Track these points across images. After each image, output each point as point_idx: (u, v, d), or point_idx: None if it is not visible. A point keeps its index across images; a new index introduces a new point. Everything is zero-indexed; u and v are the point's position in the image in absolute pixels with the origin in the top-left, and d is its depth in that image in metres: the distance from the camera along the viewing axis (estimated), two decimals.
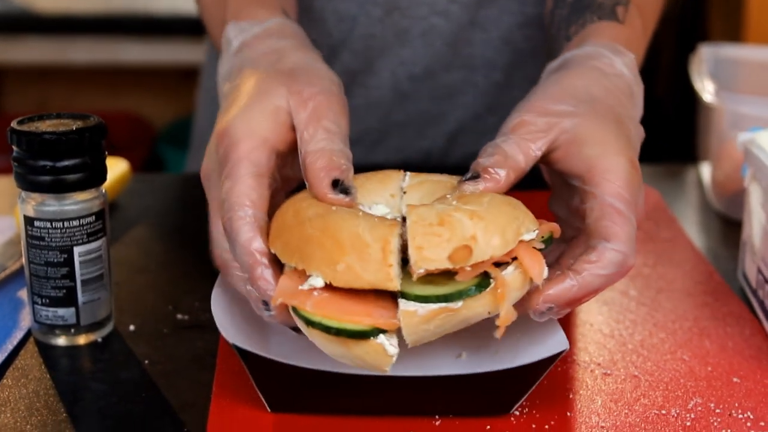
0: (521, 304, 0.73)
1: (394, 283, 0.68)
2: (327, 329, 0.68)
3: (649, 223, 1.10)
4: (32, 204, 0.82)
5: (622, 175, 0.75)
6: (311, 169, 0.75)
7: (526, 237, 0.72)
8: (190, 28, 2.59)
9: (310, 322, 0.69)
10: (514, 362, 0.73)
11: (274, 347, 0.76)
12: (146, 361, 0.82)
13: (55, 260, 0.82)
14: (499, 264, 0.70)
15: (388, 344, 0.69)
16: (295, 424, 0.73)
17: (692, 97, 1.27)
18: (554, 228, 0.75)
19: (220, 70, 0.87)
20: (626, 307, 0.91)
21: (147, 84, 3.06)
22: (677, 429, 0.73)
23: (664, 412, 0.75)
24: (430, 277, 0.69)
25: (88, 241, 0.83)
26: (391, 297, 0.70)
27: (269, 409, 0.73)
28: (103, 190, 0.84)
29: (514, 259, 0.71)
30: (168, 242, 1.08)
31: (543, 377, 0.73)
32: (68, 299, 0.83)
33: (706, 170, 1.21)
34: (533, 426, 0.73)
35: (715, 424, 0.74)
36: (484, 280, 0.69)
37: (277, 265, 0.73)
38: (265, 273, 0.72)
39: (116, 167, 1.14)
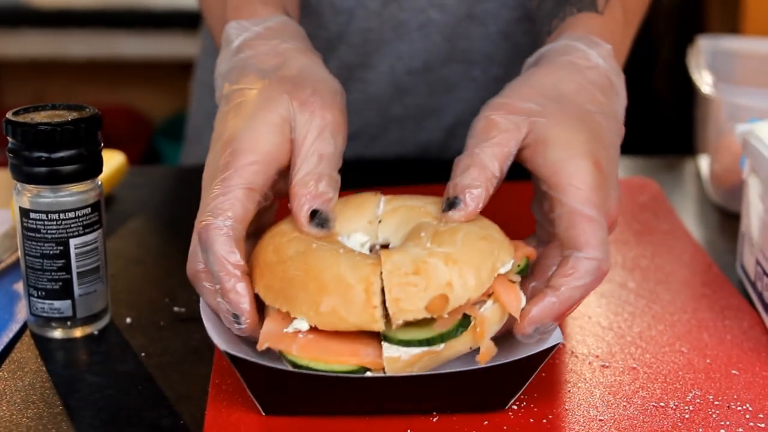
0: (506, 327, 0.74)
1: (379, 324, 0.69)
2: (316, 371, 0.69)
3: (647, 214, 1.10)
4: (28, 196, 0.82)
5: (588, 179, 0.74)
6: (295, 196, 0.75)
7: (502, 270, 0.73)
8: (187, 21, 2.59)
9: (297, 366, 0.70)
10: (509, 357, 0.73)
11: (264, 352, 0.76)
12: (143, 354, 0.82)
13: (51, 252, 0.82)
14: (477, 301, 0.72)
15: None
16: (292, 418, 0.72)
17: (691, 89, 1.26)
18: (529, 253, 0.76)
19: (219, 67, 0.86)
20: (625, 299, 0.91)
21: (145, 78, 3.06)
22: (676, 421, 0.73)
23: (662, 404, 0.75)
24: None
25: (84, 233, 0.83)
26: (374, 333, 0.71)
27: (263, 413, 0.72)
28: (99, 182, 0.84)
29: (491, 293, 0.72)
30: (164, 235, 1.07)
31: (539, 371, 0.73)
32: (64, 292, 0.83)
33: (704, 162, 1.21)
34: (531, 420, 0.73)
35: (714, 416, 0.73)
36: (463, 320, 0.71)
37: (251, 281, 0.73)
38: (238, 286, 0.71)
39: (113, 160, 1.14)
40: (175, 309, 0.89)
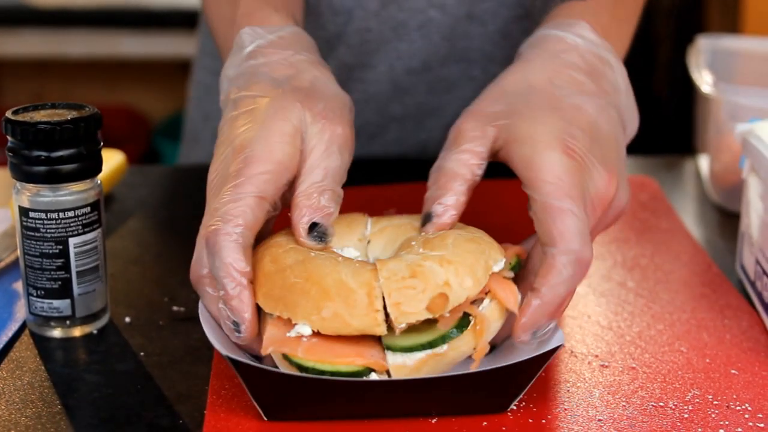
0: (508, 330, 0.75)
1: (382, 328, 0.70)
2: (321, 373, 0.69)
3: (647, 213, 1.10)
4: (27, 195, 0.82)
5: (557, 169, 0.74)
6: (296, 207, 0.75)
7: (495, 269, 0.74)
8: (187, 21, 2.59)
9: (303, 368, 0.70)
10: (509, 360, 0.73)
11: (260, 359, 0.76)
12: (142, 353, 0.82)
13: (50, 251, 0.82)
14: (475, 300, 0.72)
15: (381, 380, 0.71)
16: (291, 423, 0.72)
17: (690, 89, 1.26)
18: (519, 251, 0.77)
19: (226, 71, 0.85)
20: (624, 298, 0.91)
21: (144, 77, 3.06)
22: (675, 421, 0.73)
23: (661, 404, 0.75)
24: (412, 326, 0.71)
25: (84, 232, 0.82)
26: (376, 337, 0.71)
27: (265, 418, 0.72)
28: (99, 181, 0.84)
29: (488, 291, 0.73)
30: (164, 234, 1.07)
31: (540, 373, 0.73)
32: (63, 291, 0.83)
33: (704, 162, 1.21)
34: (530, 420, 0.73)
35: (713, 415, 0.73)
36: (463, 320, 0.71)
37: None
38: (242, 294, 0.72)
39: (112, 159, 1.14)
40: (174, 308, 0.89)
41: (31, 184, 0.81)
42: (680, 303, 0.90)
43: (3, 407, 0.74)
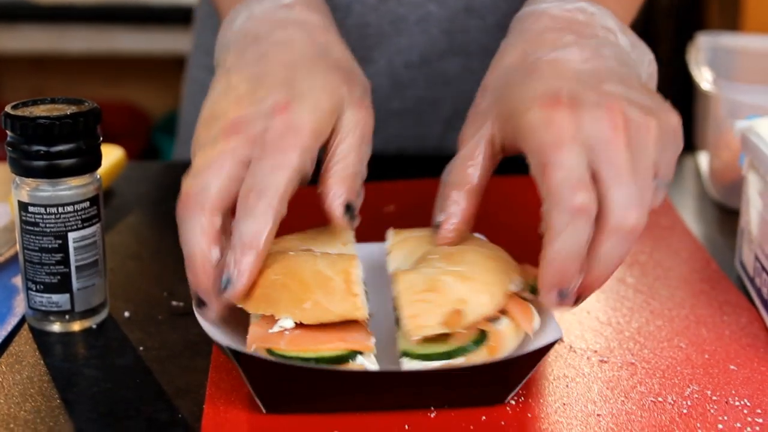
0: None
1: (362, 312, 0.71)
2: (306, 361, 0.70)
3: None
4: (26, 189, 0.82)
5: (536, 126, 0.72)
6: (334, 186, 0.76)
7: (513, 288, 0.74)
8: (187, 17, 2.57)
9: (287, 359, 0.70)
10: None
11: None
12: (141, 348, 0.82)
13: (50, 246, 0.82)
14: (492, 318, 0.73)
15: (368, 363, 0.71)
16: (289, 415, 0.72)
17: (690, 87, 1.26)
18: (538, 273, 0.76)
19: (226, 33, 0.85)
20: (623, 294, 0.91)
21: (144, 73, 3.06)
22: (674, 416, 0.73)
23: (660, 399, 0.75)
24: (427, 337, 0.71)
25: (83, 227, 0.82)
26: (359, 323, 0.72)
27: (264, 410, 0.72)
28: (98, 176, 0.84)
29: (505, 311, 0.74)
30: (163, 229, 1.07)
31: (538, 366, 0.73)
32: (63, 285, 0.83)
33: (703, 159, 1.21)
34: (529, 415, 0.73)
35: (712, 411, 0.73)
36: (480, 336, 0.72)
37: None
38: (258, 261, 0.72)
39: (111, 154, 1.14)
40: (174, 303, 0.89)
41: (31, 179, 0.81)
42: (679, 299, 0.90)
43: (2, 401, 0.74)
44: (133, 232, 1.05)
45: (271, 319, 0.72)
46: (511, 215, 1.07)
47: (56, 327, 0.84)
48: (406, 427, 0.71)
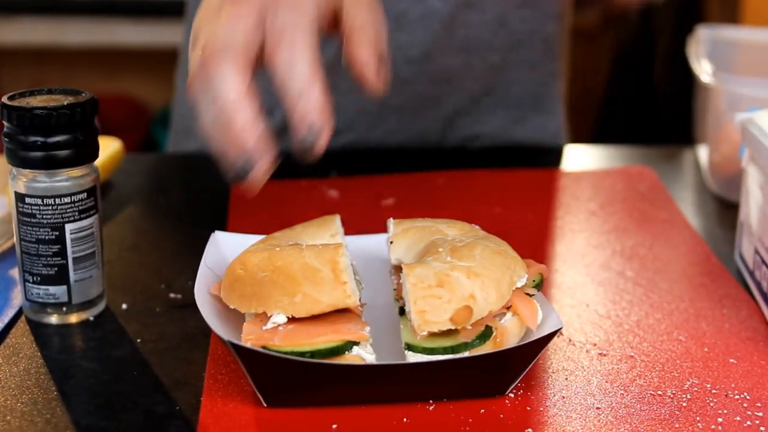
0: None
1: (353, 299, 0.71)
2: (301, 355, 0.70)
3: (645, 203, 1.09)
4: (23, 180, 0.81)
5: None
6: (370, 46, 0.78)
7: (519, 284, 0.75)
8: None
9: (284, 354, 0.70)
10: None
11: None
12: (138, 340, 0.82)
13: (47, 237, 0.82)
14: (497, 314, 0.74)
15: (364, 353, 0.71)
16: (288, 408, 0.72)
17: (690, 81, 1.26)
18: (542, 269, 0.78)
19: None
20: (622, 287, 0.91)
21: (143, 66, 3.05)
22: (673, 409, 0.72)
23: (660, 392, 0.74)
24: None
25: (80, 218, 0.82)
26: (353, 313, 0.72)
27: (265, 404, 0.72)
28: (95, 167, 0.83)
29: (510, 306, 0.74)
30: (161, 221, 1.07)
31: (537, 358, 0.73)
32: (60, 277, 0.83)
33: (703, 153, 1.21)
34: (528, 408, 0.72)
35: (712, 404, 0.73)
36: (485, 331, 0.72)
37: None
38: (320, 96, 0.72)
39: (109, 146, 1.14)
40: (171, 295, 0.89)
41: (28, 170, 0.81)
42: (679, 292, 0.90)
43: None
44: (131, 224, 1.05)
45: (264, 317, 0.72)
46: (508, 208, 1.07)
47: (53, 319, 0.84)
48: (405, 420, 0.71)
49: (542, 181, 1.16)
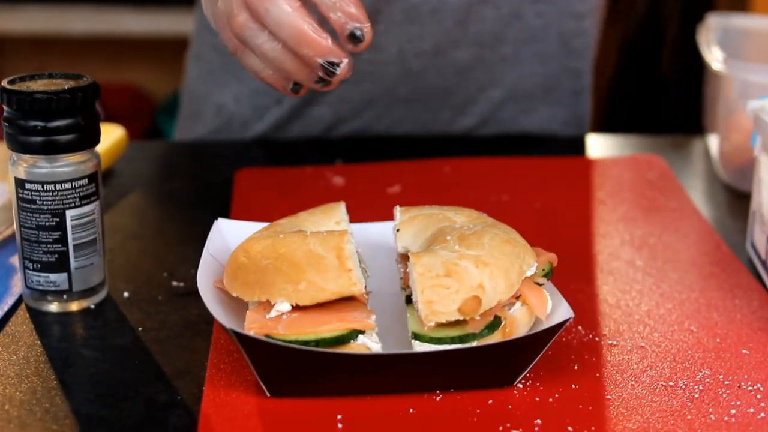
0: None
1: (358, 287, 0.70)
2: (306, 344, 0.68)
3: (655, 192, 1.08)
4: (23, 166, 0.80)
5: None
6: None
7: (528, 273, 0.74)
8: None
9: (287, 344, 0.68)
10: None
11: None
12: (140, 328, 0.80)
13: (47, 224, 0.80)
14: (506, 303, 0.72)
15: (370, 342, 0.70)
16: (291, 398, 0.71)
17: (698, 71, 1.25)
18: (552, 258, 0.77)
19: None
20: (632, 277, 0.89)
21: (147, 55, 3.04)
22: (685, 401, 0.71)
23: (671, 383, 0.73)
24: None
25: (81, 205, 0.81)
26: (358, 301, 0.71)
27: (268, 394, 0.71)
28: (97, 152, 0.82)
29: (519, 296, 0.73)
30: (164, 209, 1.06)
31: (547, 349, 0.72)
32: (60, 264, 0.81)
33: (713, 142, 1.19)
34: (537, 399, 0.71)
35: (724, 396, 0.72)
36: (494, 321, 0.71)
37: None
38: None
39: (113, 133, 1.12)
40: (174, 283, 0.87)
41: (28, 155, 0.79)
42: (689, 282, 0.89)
43: None
44: (134, 212, 1.04)
45: (268, 305, 0.71)
46: (516, 197, 1.06)
47: (54, 307, 0.82)
48: (411, 410, 0.69)
49: (550, 169, 1.14)
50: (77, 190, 0.80)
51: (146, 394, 0.72)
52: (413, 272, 0.70)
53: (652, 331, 0.80)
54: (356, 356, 0.69)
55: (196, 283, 0.74)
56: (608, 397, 0.71)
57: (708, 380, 0.74)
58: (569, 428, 0.68)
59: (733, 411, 0.70)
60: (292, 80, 0.81)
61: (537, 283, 0.75)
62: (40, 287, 0.82)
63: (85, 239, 0.82)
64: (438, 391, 0.71)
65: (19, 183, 0.80)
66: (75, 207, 0.80)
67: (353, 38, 0.77)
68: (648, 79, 2.16)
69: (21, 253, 0.82)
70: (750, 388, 0.73)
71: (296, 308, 0.70)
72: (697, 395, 0.72)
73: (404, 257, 0.77)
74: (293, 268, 0.70)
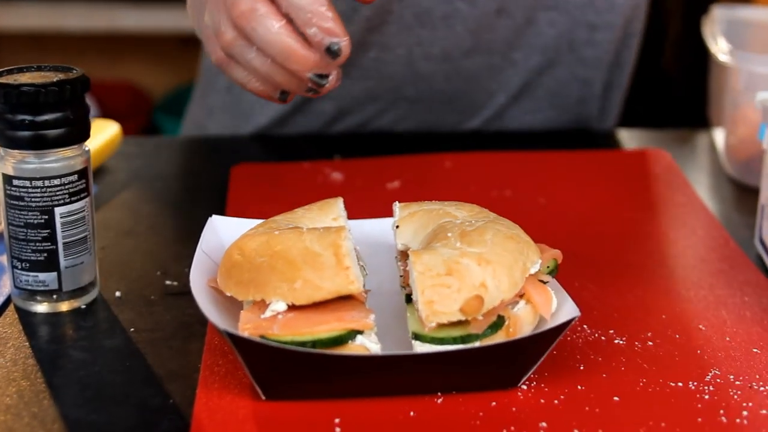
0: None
1: (356, 285, 0.68)
2: (302, 344, 0.67)
3: (660, 186, 1.06)
4: (11, 162, 0.78)
5: None
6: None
7: (532, 270, 0.72)
8: None
9: (283, 345, 0.66)
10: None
11: None
12: (131, 329, 0.78)
13: (35, 221, 0.78)
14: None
15: (369, 342, 0.68)
16: (287, 401, 0.69)
17: (701, 65, 1.23)
18: (556, 255, 0.75)
19: None
20: (639, 274, 0.87)
21: (144, 52, 3.02)
22: (695, 402, 0.69)
23: (680, 384, 0.71)
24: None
25: (70, 202, 0.79)
26: (357, 300, 0.69)
27: (263, 397, 0.68)
28: (87, 147, 0.80)
29: (523, 294, 0.71)
30: (158, 206, 1.03)
31: (552, 348, 0.70)
32: (49, 263, 0.79)
33: (719, 135, 1.17)
34: (542, 401, 0.69)
35: (735, 397, 0.69)
36: (498, 321, 0.69)
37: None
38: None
39: (107, 129, 1.10)
40: (167, 283, 0.86)
41: (16, 150, 0.77)
42: (697, 279, 0.86)
43: None
44: (127, 209, 1.02)
45: (263, 305, 0.69)
46: (519, 192, 1.04)
47: (43, 307, 0.80)
48: (412, 413, 0.67)
49: (554, 163, 1.12)
50: (66, 187, 0.78)
51: (137, 398, 0.70)
52: (413, 271, 0.68)
53: (660, 330, 0.78)
54: (354, 357, 0.67)
55: (189, 282, 0.72)
56: (615, 398, 0.69)
57: (718, 380, 0.71)
58: (575, 431, 0.66)
59: (745, 413, 0.68)
60: (279, 90, 0.82)
61: (541, 281, 0.72)
62: (29, 287, 0.80)
63: (75, 237, 0.79)
64: (439, 393, 0.69)
65: (7, 179, 0.78)
66: (64, 204, 0.78)
67: (330, 53, 0.78)
68: (650, 73, 2.14)
69: (9, 252, 0.80)
70: (761, 388, 0.71)
71: (292, 308, 0.68)
72: (707, 396, 0.69)
73: (404, 255, 0.75)
74: (289, 266, 0.68)
